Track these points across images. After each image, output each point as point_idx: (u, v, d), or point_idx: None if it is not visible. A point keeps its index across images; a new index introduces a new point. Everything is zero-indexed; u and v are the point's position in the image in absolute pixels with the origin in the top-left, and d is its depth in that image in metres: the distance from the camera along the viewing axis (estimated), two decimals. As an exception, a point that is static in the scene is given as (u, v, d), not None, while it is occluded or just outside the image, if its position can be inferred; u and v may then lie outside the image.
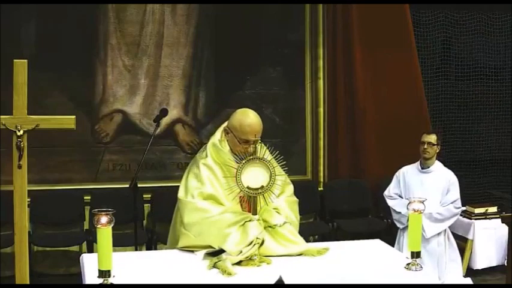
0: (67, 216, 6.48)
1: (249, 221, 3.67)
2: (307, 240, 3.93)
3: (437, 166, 5.66)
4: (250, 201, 3.75)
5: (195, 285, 3.31)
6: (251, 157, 3.67)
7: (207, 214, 3.72)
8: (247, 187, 3.66)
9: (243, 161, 3.66)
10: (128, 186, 4.87)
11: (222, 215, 3.71)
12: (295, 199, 4.00)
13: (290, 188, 4.01)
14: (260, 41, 6.92)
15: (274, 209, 3.83)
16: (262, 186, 3.69)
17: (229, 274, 3.41)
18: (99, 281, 3.18)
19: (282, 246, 3.70)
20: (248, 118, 3.78)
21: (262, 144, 3.87)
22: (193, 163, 3.92)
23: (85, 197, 6.51)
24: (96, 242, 3.29)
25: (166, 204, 5.51)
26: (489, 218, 6.62)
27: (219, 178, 3.79)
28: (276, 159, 3.85)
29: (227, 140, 3.84)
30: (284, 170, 3.92)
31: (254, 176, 3.68)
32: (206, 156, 3.84)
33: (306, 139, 7.11)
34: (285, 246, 3.71)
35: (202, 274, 3.48)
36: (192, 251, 3.81)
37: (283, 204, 3.91)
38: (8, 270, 5.76)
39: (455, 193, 5.60)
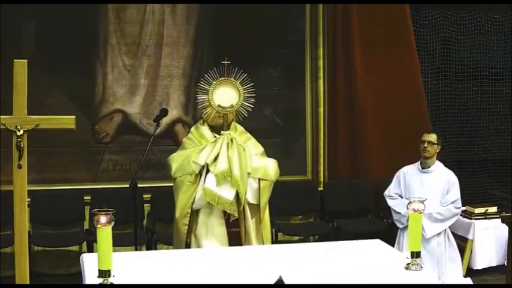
0: (67, 216, 6.48)
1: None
2: (307, 240, 4.03)
3: (437, 166, 5.66)
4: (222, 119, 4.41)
5: (195, 285, 3.31)
6: (222, 78, 4.38)
7: (186, 154, 4.43)
8: (219, 105, 4.33)
9: (215, 82, 4.35)
10: (128, 186, 4.88)
11: (197, 147, 4.40)
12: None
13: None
14: (260, 41, 6.92)
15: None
16: (232, 105, 4.35)
17: (234, 215, 4.28)
18: (99, 280, 3.18)
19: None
20: None
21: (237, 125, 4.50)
22: None
23: (85, 197, 6.50)
24: (96, 242, 3.30)
25: (166, 204, 5.52)
26: (489, 218, 6.61)
27: (196, 144, 4.45)
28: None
29: (206, 118, 4.48)
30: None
31: (225, 95, 4.37)
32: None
33: (306, 139, 7.10)
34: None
35: (202, 274, 3.48)
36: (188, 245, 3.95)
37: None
38: (8, 270, 5.75)
39: (456, 193, 5.60)
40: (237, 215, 4.32)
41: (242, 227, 4.40)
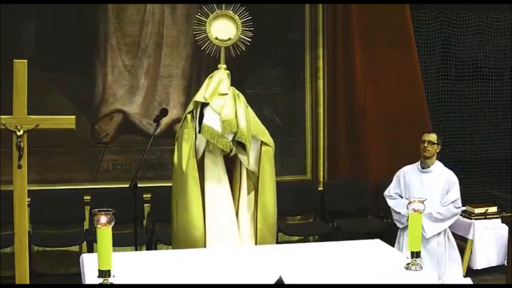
0: (67, 216, 6.48)
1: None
2: (307, 240, 4.03)
3: (437, 166, 5.66)
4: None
5: (195, 285, 3.31)
6: (219, 11, 4.34)
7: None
8: (216, 38, 4.32)
9: (212, 15, 4.30)
10: (128, 186, 4.88)
11: None
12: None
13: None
14: (260, 41, 6.90)
15: None
16: (230, 38, 4.35)
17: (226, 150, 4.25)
18: (99, 281, 3.18)
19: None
20: None
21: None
22: None
23: (85, 197, 6.50)
24: (96, 242, 3.30)
25: (167, 204, 5.54)
26: (489, 218, 6.62)
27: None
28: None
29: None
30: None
31: (223, 28, 4.34)
32: None
33: (305, 139, 7.10)
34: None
35: (202, 274, 3.49)
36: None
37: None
38: (8, 270, 5.76)
39: (456, 193, 5.60)
40: (227, 150, 4.29)
41: (236, 193, 4.38)
